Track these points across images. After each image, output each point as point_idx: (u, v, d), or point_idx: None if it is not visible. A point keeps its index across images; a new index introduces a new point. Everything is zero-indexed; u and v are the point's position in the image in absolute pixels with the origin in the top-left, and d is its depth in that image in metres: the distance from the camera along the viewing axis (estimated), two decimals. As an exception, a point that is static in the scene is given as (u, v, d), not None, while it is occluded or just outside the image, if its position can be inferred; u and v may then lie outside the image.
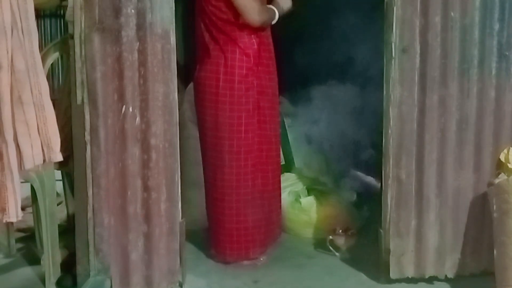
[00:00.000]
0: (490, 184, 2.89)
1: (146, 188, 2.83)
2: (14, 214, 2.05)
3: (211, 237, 3.36)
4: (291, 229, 3.72)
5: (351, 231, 3.40)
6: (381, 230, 3.01)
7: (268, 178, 3.32)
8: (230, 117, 3.16)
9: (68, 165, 2.91)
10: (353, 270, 3.20)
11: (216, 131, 3.20)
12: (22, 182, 2.17)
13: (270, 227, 3.38)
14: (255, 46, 3.18)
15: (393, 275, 2.98)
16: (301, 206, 3.74)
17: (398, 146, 2.93)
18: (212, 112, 3.19)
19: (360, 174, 4.54)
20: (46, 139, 2.12)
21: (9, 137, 2.00)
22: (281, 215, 3.56)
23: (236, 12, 3.11)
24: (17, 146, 2.04)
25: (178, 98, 2.89)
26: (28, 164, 2.07)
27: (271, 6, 3.22)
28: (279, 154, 3.52)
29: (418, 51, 2.88)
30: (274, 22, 3.24)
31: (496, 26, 2.91)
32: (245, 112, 3.17)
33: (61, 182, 3.42)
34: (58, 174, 3.24)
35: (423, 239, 2.98)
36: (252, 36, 3.17)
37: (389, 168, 2.94)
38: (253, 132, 3.21)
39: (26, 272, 3.18)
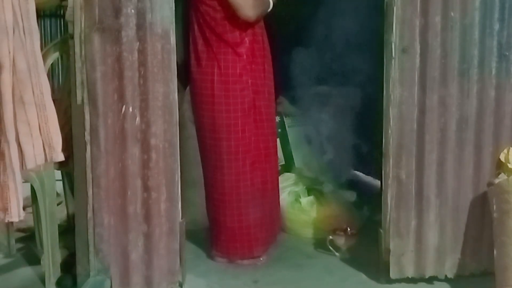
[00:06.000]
0: (490, 184, 2.89)
1: (146, 188, 2.83)
2: (16, 214, 2.05)
3: (213, 238, 3.36)
4: (291, 229, 3.73)
5: (351, 231, 3.41)
6: (381, 230, 3.02)
7: (267, 176, 3.33)
8: (226, 118, 3.17)
9: (68, 165, 2.90)
10: (353, 270, 3.21)
11: (214, 132, 3.20)
12: (22, 182, 2.17)
13: (271, 225, 3.40)
14: (248, 45, 3.18)
15: (393, 275, 2.99)
16: (301, 206, 3.75)
17: (398, 146, 2.93)
18: (208, 113, 3.20)
19: (360, 174, 4.55)
20: (48, 138, 2.11)
21: (11, 137, 2.00)
22: (280, 213, 3.57)
23: (229, 11, 3.11)
24: (19, 146, 2.04)
25: (178, 98, 2.89)
26: (30, 164, 2.07)
27: None
28: (276, 152, 3.53)
29: (418, 51, 2.88)
30: (269, 10, 3.21)
31: (496, 26, 2.91)
32: (241, 112, 3.18)
33: (61, 182, 3.41)
34: (58, 174, 3.24)
35: (423, 239, 2.98)
36: (245, 35, 3.18)
37: (389, 168, 2.94)
38: (250, 132, 3.22)
39: (26, 272, 3.18)
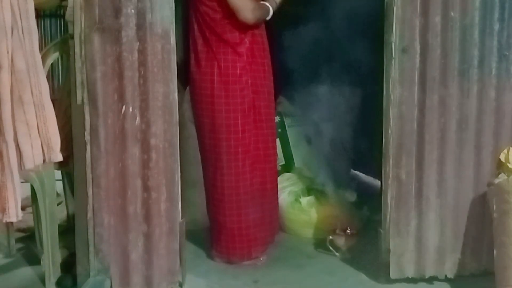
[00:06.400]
0: (490, 184, 2.89)
1: (146, 188, 2.83)
2: (14, 214, 2.05)
3: (213, 238, 3.37)
4: (291, 229, 3.73)
5: (351, 231, 3.40)
6: (381, 230, 3.01)
7: (266, 176, 3.34)
8: (226, 118, 3.17)
9: (68, 165, 2.91)
10: (353, 270, 3.21)
11: (214, 132, 3.21)
12: (22, 182, 2.17)
13: (271, 225, 3.41)
14: (248, 45, 3.19)
15: (393, 275, 2.98)
16: (301, 206, 3.75)
17: (398, 146, 2.93)
18: (208, 114, 3.20)
19: (360, 174, 4.54)
20: (46, 139, 2.12)
21: (9, 137, 2.00)
22: (279, 213, 3.58)
23: (229, 12, 3.11)
24: (17, 146, 2.04)
25: (178, 98, 2.89)
26: (28, 164, 2.07)
27: (264, 2, 3.21)
28: (276, 152, 3.53)
29: (418, 51, 2.88)
30: (268, 18, 3.24)
31: (496, 26, 2.91)
32: (241, 112, 3.19)
33: (61, 182, 3.41)
34: (58, 174, 3.24)
35: (423, 239, 2.98)
36: (245, 35, 3.18)
37: (389, 168, 2.94)
38: (250, 132, 3.23)
39: (26, 272, 3.18)
